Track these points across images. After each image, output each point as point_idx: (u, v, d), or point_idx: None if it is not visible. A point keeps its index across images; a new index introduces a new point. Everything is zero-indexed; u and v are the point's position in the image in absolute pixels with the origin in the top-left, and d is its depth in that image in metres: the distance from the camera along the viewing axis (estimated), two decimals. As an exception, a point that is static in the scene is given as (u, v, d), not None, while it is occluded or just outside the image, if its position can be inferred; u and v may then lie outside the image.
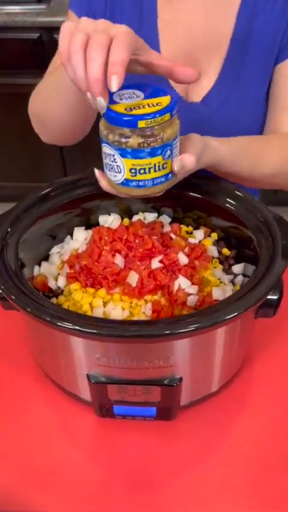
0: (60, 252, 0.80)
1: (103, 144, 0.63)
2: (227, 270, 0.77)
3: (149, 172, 0.62)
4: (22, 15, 1.90)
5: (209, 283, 0.72)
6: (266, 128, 0.93)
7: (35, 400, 0.77)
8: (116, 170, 0.63)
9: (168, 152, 0.63)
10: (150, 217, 0.83)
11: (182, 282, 0.69)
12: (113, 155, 0.62)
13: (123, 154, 0.61)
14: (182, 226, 0.82)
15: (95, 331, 0.56)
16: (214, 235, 0.81)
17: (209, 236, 0.81)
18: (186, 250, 0.73)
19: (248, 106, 0.92)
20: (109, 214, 0.83)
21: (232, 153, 0.74)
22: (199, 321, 0.56)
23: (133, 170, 0.62)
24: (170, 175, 0.65)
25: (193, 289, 0.69)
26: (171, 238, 0.75)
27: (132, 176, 0.63)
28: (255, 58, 0.88)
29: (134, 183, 0.63)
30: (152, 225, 0.77)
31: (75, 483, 0.68)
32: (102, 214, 0.83)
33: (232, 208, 0.76)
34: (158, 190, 0.65)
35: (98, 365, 0.65)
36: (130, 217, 0.83)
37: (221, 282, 0.74)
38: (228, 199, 0.76)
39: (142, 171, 0.62)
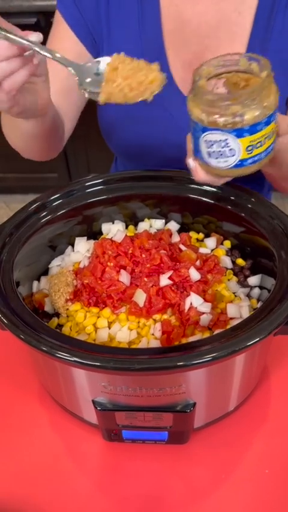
0: (61, 265, 0.74)
1: (208, 132, 0.56)
2: (242, 282, 0.71)
3: (264, 143, 0.57)
4: (18, -1, 1.81)
5: (223, 299, 0.66)
6: None
7: (39, 421, 0.72)
8: (227, 155, 0.57)
9: (277, 113, 0.57)
10: (158, 223, 0.77)
11: (194, 300, 0.63)
12: (225, 139, 0.56)
13: (240, 134, 0.55)
14: (191, 233, 0.76)
15: (98, 363, 0.51)
16: (227, 243, 0.75)
17: (222, 244, 0.75)
18: (198, 263, 0.67)
19: None
20: (113, 222, 0.77)
21: None
22: (216, 350, 0.51)
23: (249, 148, 0.56)
24: (276, 139, 0.60)
25: (206, 308, 0.63)
26: (180, 250, 0.69)
27: (248, 154, 0.57)
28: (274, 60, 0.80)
29: (249, 161, 0.58)
30: (160, 235, 0.71)
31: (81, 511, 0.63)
32: (105, 222, 0.77)
33: (245, 213, 0.69)
34: (268, 159, 0.59)
35: (104, 392, 0.59)
36: (135, 224, 0.77)
37: (236, 296, 0.68)
38: (239, 203, 0.70)
39: (258, 145, 0.56)
